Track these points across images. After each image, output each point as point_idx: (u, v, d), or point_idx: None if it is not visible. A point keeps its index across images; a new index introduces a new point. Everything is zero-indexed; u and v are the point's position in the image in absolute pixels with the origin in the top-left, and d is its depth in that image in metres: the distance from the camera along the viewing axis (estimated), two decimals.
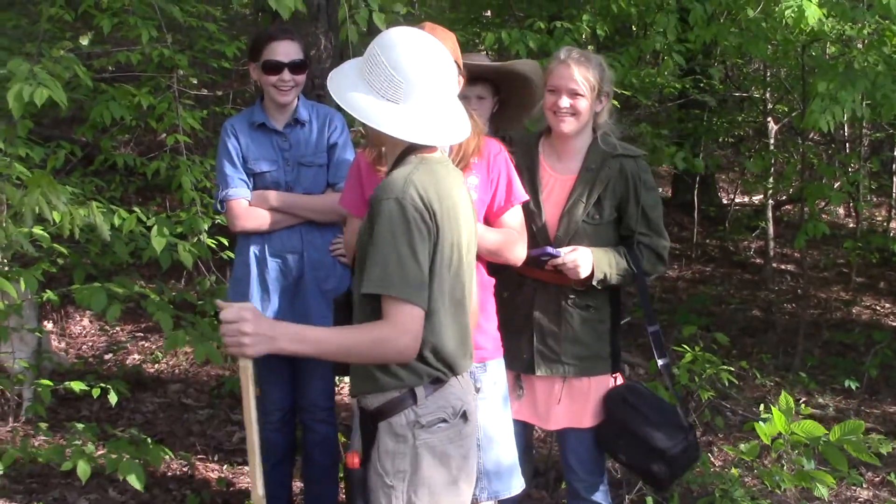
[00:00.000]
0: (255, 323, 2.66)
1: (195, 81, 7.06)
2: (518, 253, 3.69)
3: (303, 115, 4.43)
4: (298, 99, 4.45)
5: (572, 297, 3.91)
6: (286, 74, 4.30)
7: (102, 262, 6.16)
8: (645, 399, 3.94)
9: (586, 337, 3.94)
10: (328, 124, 4.45)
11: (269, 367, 4.54)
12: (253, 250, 4.45)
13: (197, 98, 7.26)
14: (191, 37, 7.21)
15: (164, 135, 6.85)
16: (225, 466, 5.70)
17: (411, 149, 2.91)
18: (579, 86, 3.82)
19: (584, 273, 3.77)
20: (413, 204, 2.75)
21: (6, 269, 4.60)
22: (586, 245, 3.83)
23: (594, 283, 3.82)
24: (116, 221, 4.83)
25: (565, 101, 3.83)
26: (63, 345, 7.42)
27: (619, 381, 4.03)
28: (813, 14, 6.53)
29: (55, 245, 5.00)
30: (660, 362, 4.06)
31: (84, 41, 6.01)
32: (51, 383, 4.96)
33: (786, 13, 6.62)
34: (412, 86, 2.81)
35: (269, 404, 4.61)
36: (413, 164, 2.87)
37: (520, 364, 3.94)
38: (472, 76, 3.84)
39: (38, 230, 4.62)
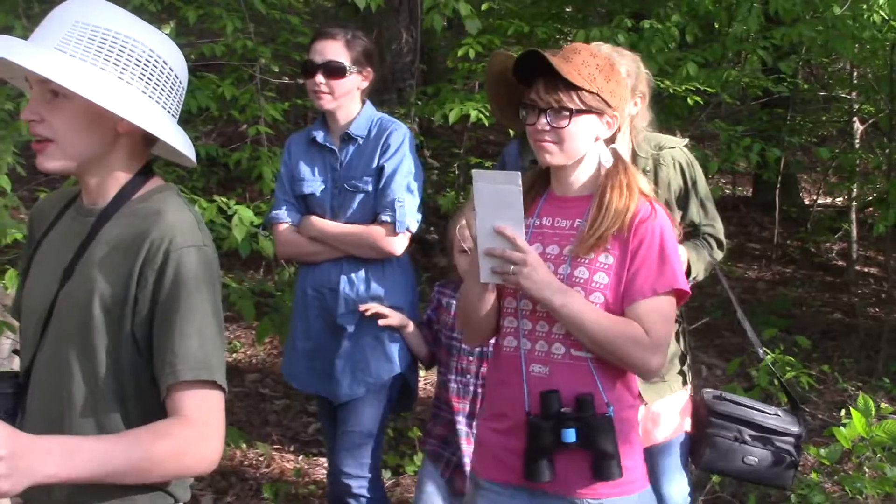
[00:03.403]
0: (9, 447, 1.74)
1: (276, 70, 7.10)
2: (643, 359, 2.68)
3: (357, 131, 3.93)
4: (362, 108, 3.99)
5: None
6: (319, 77, 3.83)
7: None
8: (736, 404, 3.80)
9: (675, 349, 3.77)
10: (382, 141, 3.90)
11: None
12: (300, 281, 4.13)
13: (279, 89, 7.30)
14: (273, 29, 7.26)
15: (246, 126, 6.91)
16: (300, 457, 5.73)
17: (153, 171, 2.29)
18: None
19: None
20: (215, 258, 2.19)
21: None
22: None
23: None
24: (198, 211, 4.87)
25: None
26: None
27: (689, 390, 3.88)
28: None
29: None
30: (760, 352, 3.98)
31: (167, 31, 6.07)
32: None
33: (880, 2, 6.48)
34: (181, 82, 2.24)
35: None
36: (176, 196, 2.28)
37: None
38: None
39: None
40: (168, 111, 2.18)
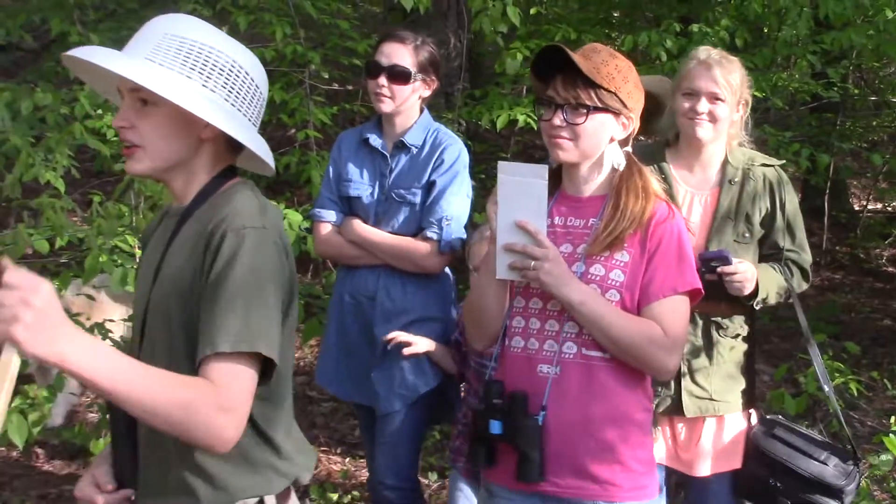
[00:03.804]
0: (48, 305, 1.77)
1: (326, 76, 7.14)
2: (661, 359, 2.66)
3: (411, 139, 3.83)
4: (420, 116, 3.88)
5: (723, 327, 3.61)
6: (382, 79, 3.72)
7: None
8: (795, 432, 3.62)
9: (734, 370, 3.65)
10: (436, 156, 3.79)
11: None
12: (338, 285, 4.02)
13: (328, 94, 7.35)
14: (322, 34, 7.31)
15: (295, 130, 6.96)
16: (347, 459, 5.77)
17: (235, 173, 2.34)
18: (721, 89, 3.50)
19: (749, 288, 3.46)
20: (276, 242, 2.20)
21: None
22: None
23: (755, 303, 3.53)
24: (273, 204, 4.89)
25: (704, 106, 3.51)
26: None
27: (754, 416, 3.72)
28: None
29: None
30: (825, 387, 3.78)
31: None
32: None
33: None
34: (260, 91, 2.31)
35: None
36: (251, 190, 2.29)
37: (664, 405, 3.58)
38: None
39: None
40: (249, 119, 2.25)
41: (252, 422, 2.12)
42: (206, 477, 2.14)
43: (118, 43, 6.61)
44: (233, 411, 1.99)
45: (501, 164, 2.60)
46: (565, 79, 2.69)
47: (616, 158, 2.78)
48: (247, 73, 2.23)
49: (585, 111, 2.67)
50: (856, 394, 5.81)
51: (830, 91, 8.45)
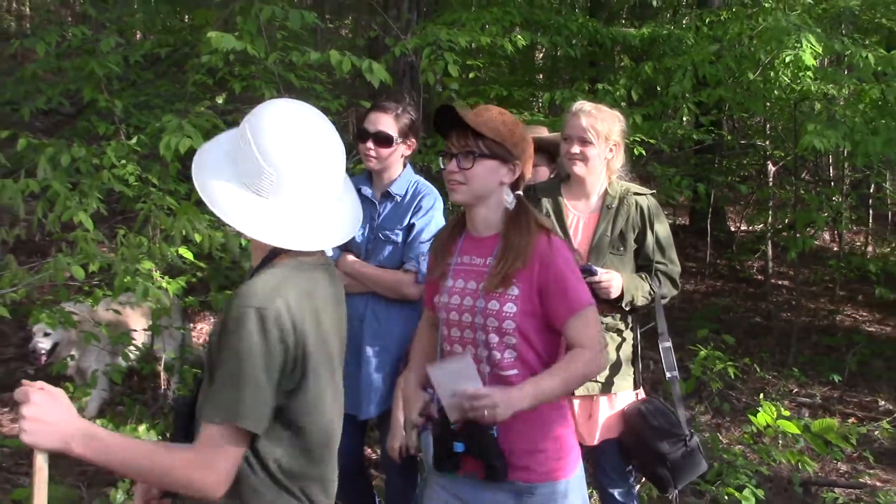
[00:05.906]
0: (42, 408, 1.85)
1: None
2: (597, 368, 2.66)
3: (396, 190, 3.78)
4: (403, 170, 3.83)
5: (604, 322, 3.55)
6: (369, 143, 3.70)
7: (233, 274, 6.33)
8: (657, 411, 3.63)
9: (620, 359, 3.66)
10: (415, 203, 3.75)
11: None
12: None
13: None
14: (302, 96, 7.37)
15: None
16: None
17: (281, 250, 2.05)
18: (588, 134, 3.55)
19: (614, 293, 3.49)
20: (278, 320, 1.93)
21: (160, 278, 4.76)
22: None
23: (623, 304, 3.56)
24: (243, 242, 4.96)
25: (576, 148, 3.58)
26: (201, 342, 7.60)
27: (641, 394, 3.74)
28: (808, 57, 6.55)
29: (196, 261, 5.14)
30: (668, 374, 3.75)
31: (219, 100, 6.20)
32: (194, 370, 5.12)
33: (785, 59, 6.62)
34: (282, 178, 1.99)
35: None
36: (286, 269, 2.04)
37: None
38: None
39: (183, 249, 4.76)
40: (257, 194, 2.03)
41: (268, 471, 2.01)
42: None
43: (137, 107, 6.59)
44: (213, 468, 1.90)
45: (429, 369, 2.60)
46: (458, 132, 2.67)
47: (507, 200, 2.72)
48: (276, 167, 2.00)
49: (473, 157, 2.63)
50: (733, 376, 5.98)
51: (707, 136, 8.66)
